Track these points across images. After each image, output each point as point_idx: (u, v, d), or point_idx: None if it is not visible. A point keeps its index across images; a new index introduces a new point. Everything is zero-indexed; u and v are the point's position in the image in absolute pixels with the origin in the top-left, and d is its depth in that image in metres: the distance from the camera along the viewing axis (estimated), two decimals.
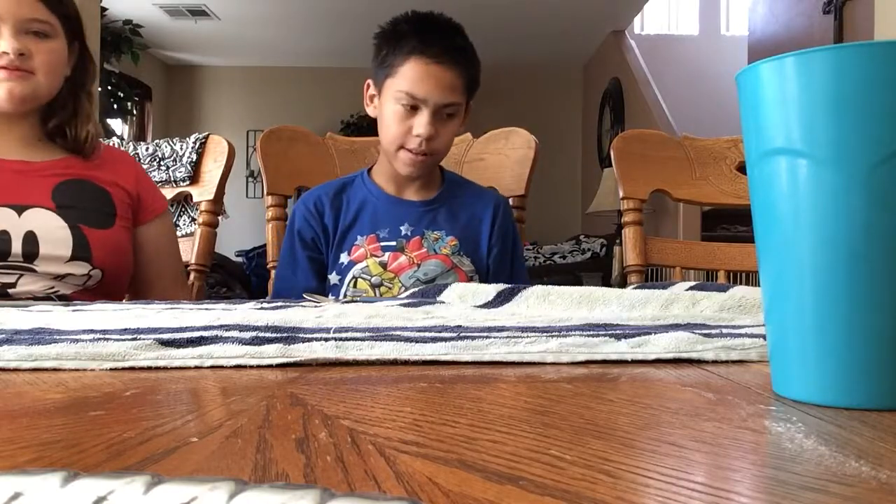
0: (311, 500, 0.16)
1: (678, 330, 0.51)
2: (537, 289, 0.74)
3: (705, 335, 0.49)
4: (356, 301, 0.82)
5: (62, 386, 0.38)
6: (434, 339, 0.49)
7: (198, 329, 0.53)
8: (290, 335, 0.50)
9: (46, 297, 1.06)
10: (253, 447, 0.25)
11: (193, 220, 1.41)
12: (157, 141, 1.46)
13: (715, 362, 0.44)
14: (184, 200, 1.44)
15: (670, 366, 0.43)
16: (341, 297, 1.19)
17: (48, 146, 1.15)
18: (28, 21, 1.06)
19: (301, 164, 1.38)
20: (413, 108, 1.15)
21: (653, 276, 4.14)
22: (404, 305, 0.74)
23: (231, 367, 0.42)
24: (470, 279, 1.21)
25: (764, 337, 0.48)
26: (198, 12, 5.28)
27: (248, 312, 0.66)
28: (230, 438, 0.27)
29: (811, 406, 0.32)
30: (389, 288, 1.19)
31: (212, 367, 0.43)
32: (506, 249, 1.27)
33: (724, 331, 0.52)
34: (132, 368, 0.42)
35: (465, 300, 0.77)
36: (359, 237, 1.22)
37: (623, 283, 1.41)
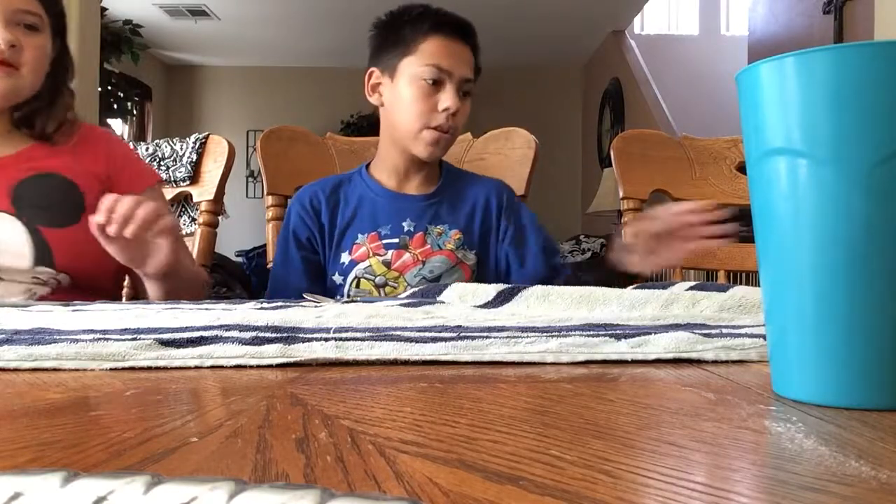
0: (311, 500, 0.16)
1: (678, 330, 0.51)
2: (537, 289, 0.74)
3: (705, 335, 0.49)
4: (356, 301, 0.82)
5: (62, 386, 0.38)
6: (434, 339, 0.49)
7: (198, 329, 0.52)
8: (290, 335, 0.50)
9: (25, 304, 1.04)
10: (253, 447, 0.25)
11: (193, 220, 1.41)
12: (157, 141, 1.46)
13: (715, 362, 0.44)
14: (184, 200, 1.44)
15: (670, 366, 0.43)
16: (344, 297, 1.17)
17: (13, 136, 1.09)
18: (20, 13, 1.03)
19: (301, 164, 1.38)
20: (435, 85, 1.13)
21: (653, 276, 4.14)
22: (404, 305, 0.74)
23: (231, 367, 0.42)
24: (473, 273, 1.19)
25: (764, 337, 0.48)
26: (198, 12, 5.28)
27: (248, 312, 0.66)
28: (230, 438, 0.27)
29: (811, 406, 0.32)
30: (395, 287, 1.16)
31: (212, 367, 0.43)
32: (521, 226, 1.23)
33: (724, 331, 0.52)
34: (132, 368, 0.42)
35: (465, 300, 0.77)
36: (359, 235, 1.19)
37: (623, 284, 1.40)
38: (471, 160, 1.41)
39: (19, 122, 1.09)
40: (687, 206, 0.96)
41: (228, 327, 0.53)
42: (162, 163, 1.41)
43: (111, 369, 0.42)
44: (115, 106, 5.17)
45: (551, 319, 0.60)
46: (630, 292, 0.71)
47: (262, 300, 0.86)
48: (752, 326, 0.55)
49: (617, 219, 4.09)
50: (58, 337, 0.49)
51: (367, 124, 5.89)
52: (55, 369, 0.42)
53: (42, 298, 1.04)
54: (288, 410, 0.31)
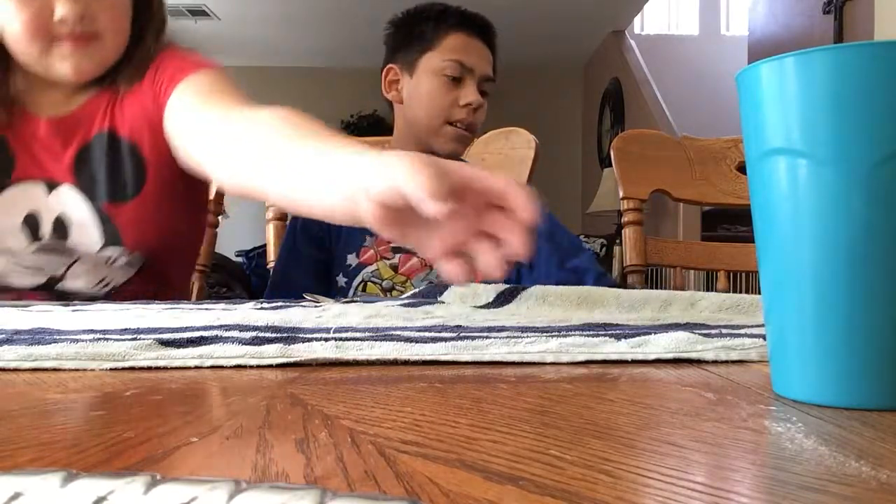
0: (311, 500, 0.16)
1: (678, 330, 0.51)
2: (536, 290, 0.74)
3: (705, 335, 0.49)
4: (356, 301, 0.82)
5: (62, 386, 0.38)
6: (434, 339, 0.49)
7: (198, 329, 0.52)
8: (290, 335, 0.50)
9: (92, 297, 0.92)
10: (253, 447, 0.25)
11: None
12: None
13: (715, 362, 0.44)
14: None
15: (670, 366, 0.43)
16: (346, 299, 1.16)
17: (82, 89, 0.94)
18: None
19: None
20: (456, 81, 1.13)
21: (653, 275, 4.15)
22: (404, 305, 0.74)
23: (231, 368, 0.42)
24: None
25: (764, 337, 0.48)
26: (198, 12, 5.28)
27: (248, 312, 0.66)
28: (230, 438, 0.27)
29: (811, 406, 0.32)
30: (402, 291, 1.14)
31: (212, 367, 0.43)
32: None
33: (724, 331, 0.52)
34: (132, 368, 0.42)
35: (465, 301, 0.77)
36: (367, 237, 1.17)
37: (623, 284, 1.40)
38: (471, 160, 1.41)
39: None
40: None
41: (228, 327, 0.53)
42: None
43: (111, 369, 0.42)
44: None
45: (551, 319, 0.60)
46: (629, 293, 0.71)
47: (262, 300, 0.86)
48: (751, 327, 0.55)
49: (617, 219, 4.09)
50: (58, 337, 0.49)
51: (367, 124, 5.88)
52: (55, 369, 0.42)
53: (119, 293, 0.94)
54: (288, 410, 0.31)
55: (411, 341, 0.48)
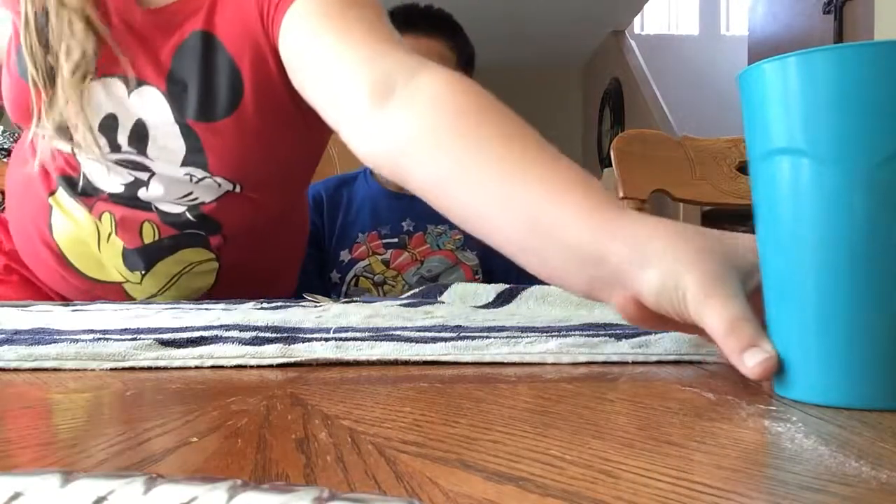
0: (311, 500, 0.16)
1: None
2: (536, 290, 0.74)
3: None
4: (356, 301, 0.82)
5: (62, 386, 0.38)
6: (434, 340, 0.49)
7: (198, 329, 0.52)
8: (290, 335, 0.50)
9: (181, 220, 0.83)
10: (253, 447, 0.25)
11: None
12: None
13: (716, 363, 0.44)
14: None
15: (670, 366, 0.43)
16: (342, 296, 1.18)
17: None
18: None
19: None
20: None
21: None
22: (404, 305, 0.74)
23: (231, 368, 0.42)
24: (475, 274, 1.19)
25: None
26: None
27: (247, 312, 0.66)
28: (230, 438, 0.27)
29: (811, 406, 0.32)
30: (393, 286, 1.16)
31: (212, 367, 0.43)
32: None
33: None
34: (132, 368, 0.42)
35: (465, 301, 0.77)
36: (360, 235, 1.20)
37: None
38: None
39: None
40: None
41: (228, 327, 0.53)
42: None
43: (111, 369, 0.42)
44: None
45: (551, 319, 0.60)
46: None
47: (261, 300, 0.86)
48: None
49: None
50: (58, 337, 0.49)
51: None
52: (55, 369, 0.42)
53: (206, 207, 0.84)
54: (288, 410, 0.31)
55: (411, 341, 0.48)
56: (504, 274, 1.17)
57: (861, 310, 0.31)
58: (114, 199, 0.84)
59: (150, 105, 0.79)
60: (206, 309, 0.70)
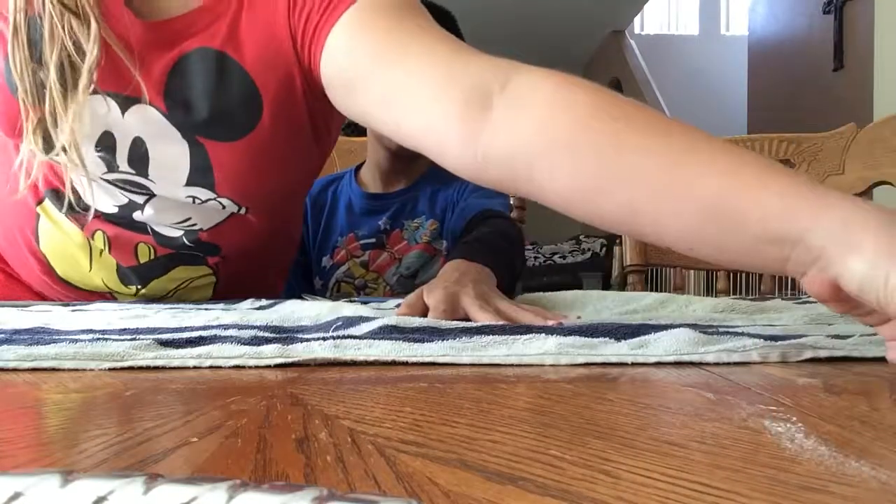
0: (311, 500, 0.16)
1: (678, 328, 0.50)
2: (528, 297, 0.75)
3: (704, 332, 0.48)
4: (353, 301, 0.82)
5: (62, 386, 0.38)
6: (432, 339, 0.49)
7: (197, 329, 0.53)
8: (288, 335, 0.50)
9: (177, 243, 0.81)
10: (253, 447, 0.25)
11: None
12: None
13: (716, 363, 0.43)
14: None
15: (670, 366, 0.43)
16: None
17: None
18: None
19: None
20: None
21: (653, 276, 4.15)
22: (399, 306, 0.74)
23: (230, 368, 0.42)
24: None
25: (764, 337, 0.48)
26: None
27: (246, 312, 0.66)
28: (230, 438, 0.27)
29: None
30: (374, 288, 1.14)
31: (210, 367, 0.43)
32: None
33: (721, 329, 0.52)
34: (131, 368, 0.42)
35: None
36: (339, 238, 1.18)
37: (623, 284, 1.40)
38: None
39: None
40: None
41: (227, 327, 0.53)
42: None
43: (110, 369, 0.42)
44: None
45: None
46: (622, 294, 0.71)
47: (260, 298, 0.86)
48: (748, 326, 0.55)
49: None
50: (57, 337, 0.49)
51: None
52: (54, 369, 0.42)
53: (204, 234, 0.82)
54: (288, 410, 0.31)
55: (409, 340, 0.48)
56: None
57: None
58: (107, 218, 0.80)
59: (149, 123, 0.74)
60: (206, 309, 0.70)
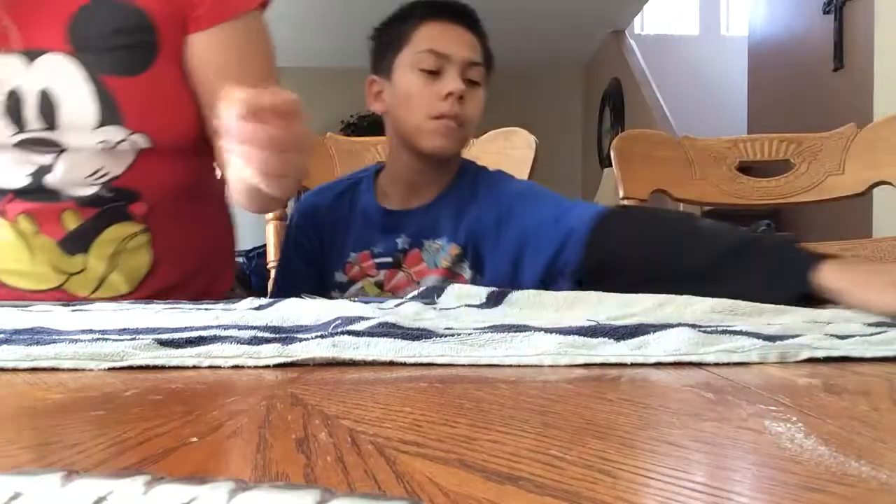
0: (311, 500, 0.16)
1: (677, 328, 0.50)
2: (530, 293, 0.74)
3: (703, 332, 0.48)
4: (354, 301, 0.82)
5: (62, 386, 0.38)
6: (431, 339, 0.49)
7: (197, 329, 0.52)
8: (288, 335, 0.50)
9: (96, 199, 0.83)
10: (253, 447, 0.25)
11: None
12: None
13: (716, 363, 0.43)
14: None
15: (670, 366, 0.43)
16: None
17: None
18: None
19: None
20: (435, 73, 1.03)
21: None
22: (398, 306, 0.74)
23: (230, 368, 0.42)
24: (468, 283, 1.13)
25: (764, 337, 0.48)
26: None
27: (246, 312, 0.66)
28: (230, 438, 0.27)
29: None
30: None
31: (210, 367, 0.43)
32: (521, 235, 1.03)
33: (720, 327, 0.52)
34: (131, 368, 0.42)
35: (460, 300, 0.77)
36: (352, 254, 1.09)
37: None
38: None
39: None
40: None
41: (227, 327, 0.53)
42: None
43: (110, 369, 0.42)
44: None
45: (545, 321, 0.60)
46: (622, 296, 0.71)
47: (260, 299, 0.86)
48: (747, 327, 0.55)
49: None
50: (56, 337, 0.49)
51: (367, 124, 5.87)
52: (54, 369, 0.42)
53: (117, 189, 0.85)
54: (288, 410, 0.31)
55: (408, 338, 0.48)
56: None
57: None
58: (22, 196, 0.81)
59: (53, 70, 0.78)
60: (206, 309, 0.70)
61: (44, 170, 0.81)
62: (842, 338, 0.48)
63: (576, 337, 0.48)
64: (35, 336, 0.49)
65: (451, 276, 1.06)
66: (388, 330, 0.51)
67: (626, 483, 0.22)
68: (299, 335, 0.51)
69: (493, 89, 1.14)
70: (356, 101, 5.81)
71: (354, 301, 0.81)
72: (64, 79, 0.79)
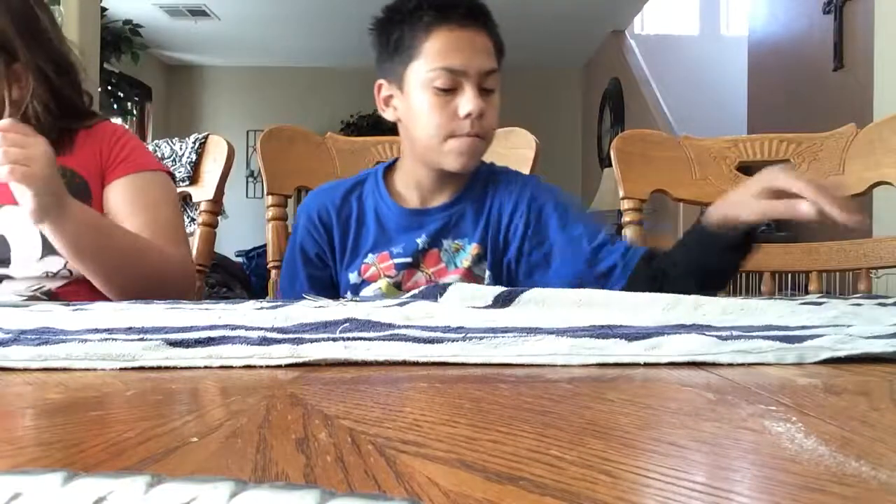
0: (311, 500, 0.16)
1: (689, 332, 0.50)
2: (535, 293, 0.74)
3: (717, 337, 0.48)
4: (355, 301, 0.82)
5: (62, 386, 0.37)
6: (441, 340, 0.48)
7: (203, 329, 0.52)
8: (297, 336, 0.50)
9: (33, 297, 1.04)
10: (253, 447, 0.25)
11: (193, 220, 1.41)
12: (156, 141, 1.46)
13: (717, 364, 0.43)
14: (183, 200, 1.44)
15: (671, 366, 0.43)
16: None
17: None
18: None
19: (301, 164, 1.38)
20: (451, 90, 0.98)
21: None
22: (401, 305, 0.73)
23: (231, 368, 0.42)
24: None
25: (779, 339, 0.47)
26: (198, 12, 5.28)
27: (250, 312, 0.66)
28: (230, 438, 0.27)
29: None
30: None
31: (220, 367, 0.42)
32: (545, 237, 1.05)
33: (735, 332, 0.51)
34: (141, 368, 0.42)
35: (464, 302, 0.77)
36: (369, 255, 1.07)
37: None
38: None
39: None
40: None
41: (234, 327, 0.53)
42: (162, 163, 1.40)
43: (120, 369, 0.42)
44: (116, 106, 5.18)
45: (554, 321, 0.60)
46: (632, 295, 0.71)
47: (261, 300, 0.86)
48: (761, 328, 0.54)
49: (617, 218, 4.08)
50: (64, 337, 0.49)
51: (367, 124, 5.87)
52: (55, 369, 0.42)
53: (54, 294, 1.04)
54: (288, 410, 0.31)
55: (419, 341, 0.48)
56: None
57: None
58: None
59: (8, 218, 1.02)
60: (206, 309, 0.70)
61: None
62: (864, 338, 0.48)
63: (587, 339, 0.48)
64: (42, 336, 0.49)
65: (471, 277, 1.04)
66: (399, 334, 0.51)
67: (626, 483, 0.22)
68: (309, 336, 0.50)
69: (498, 81, 1.09)
70: (356, 101, 5.83)
71: (356, 300, 0.81)
72: (16, 223, 1.03)
